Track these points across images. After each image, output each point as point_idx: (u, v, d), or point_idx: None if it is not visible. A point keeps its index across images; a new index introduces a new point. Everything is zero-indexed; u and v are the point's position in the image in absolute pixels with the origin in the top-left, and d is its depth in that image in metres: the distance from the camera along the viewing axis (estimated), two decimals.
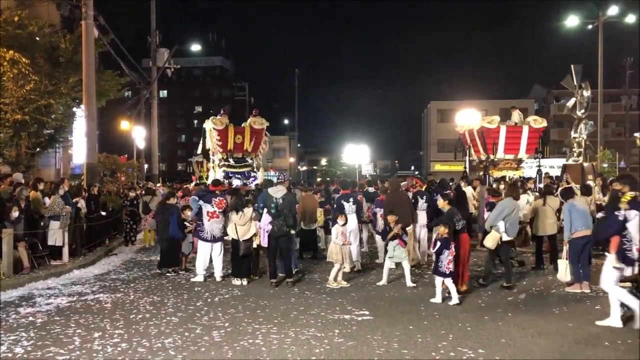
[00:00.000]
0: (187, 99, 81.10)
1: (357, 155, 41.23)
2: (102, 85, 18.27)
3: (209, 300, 8.42)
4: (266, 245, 9.74)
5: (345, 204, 10.66)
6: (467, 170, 20.64)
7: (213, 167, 19.86)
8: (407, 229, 10.03)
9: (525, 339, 6.35)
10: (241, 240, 9.52)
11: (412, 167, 77.16)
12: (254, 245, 9.72)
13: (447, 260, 8.03)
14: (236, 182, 18.23)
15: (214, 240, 10.01)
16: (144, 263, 12.04)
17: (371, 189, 12.94)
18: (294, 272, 9.86)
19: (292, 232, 9.70)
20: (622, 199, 6.90)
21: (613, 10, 28.53)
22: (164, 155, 64.19)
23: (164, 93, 70.46)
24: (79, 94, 16.91)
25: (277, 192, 9.63)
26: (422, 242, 11.37)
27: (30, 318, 7.41)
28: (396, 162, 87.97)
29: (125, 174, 25.28)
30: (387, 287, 9.16)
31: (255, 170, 19.69)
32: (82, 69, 15.62)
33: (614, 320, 6.80)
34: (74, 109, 18.37)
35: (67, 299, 8.53)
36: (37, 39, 16.44)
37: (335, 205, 10.95)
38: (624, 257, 6.84)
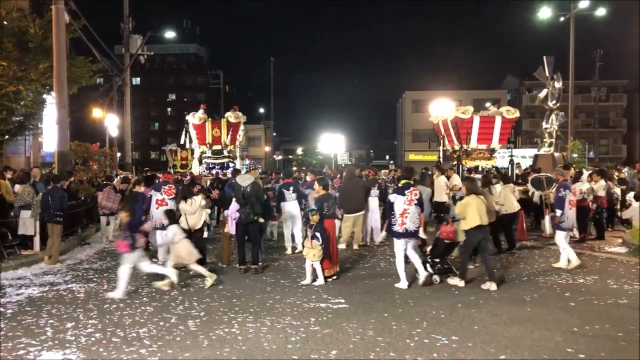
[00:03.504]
0: (160, 86, 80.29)
1: (332, 144, 41.31)
2: (73, 71, 17.91)
3: (184, 289, 8.38)
4: (234, 233, 9.81)
5: (285, 192, 11.50)
6: (441, 159, 20.89)
7: (199, 159, 21.02)
8: (359, 213, 11.55)
9: (497, 325, 6.47)
10: (192, 231, 9.47)
11: (387, 157, 77.54)
12: (205, 236, 9.69)
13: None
14: (216, 173, 19.25)
15: (163, 228, 9.89)
16: (118, 252, 11.88)
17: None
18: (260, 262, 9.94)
19: (262, 220, 9.69)
20: (399, 185, 8.67)
21: (584, 4, 29.01)
22: (137, 144, 63.34)
23: (137, 80, 69.54)
24: (49, 81, 16.53)
25: (245, 181, 9.65)
26: (375, 223, 12.44)
27: (1, 309, 7.29)
28: (371, 151, 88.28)
29: (97, 162, 24.91)
30: (362, 276, 9.24)
31: (232, 161, 20.80)
32: (52, 54, 15.25)
33: (402, 284, 8.32)
34: (44, 95, 17.98)
35: (39, 289, 8.41)
36: (5, 23, 16.01)
37: (276, 194, 11.82)
38: (390, 230, 8.49)
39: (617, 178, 16.14)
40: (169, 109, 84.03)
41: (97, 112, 30.40)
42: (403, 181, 8.65)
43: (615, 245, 12.04)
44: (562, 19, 29.55)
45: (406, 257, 8.63)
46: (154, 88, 78.85)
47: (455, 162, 19.13)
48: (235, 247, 10.14)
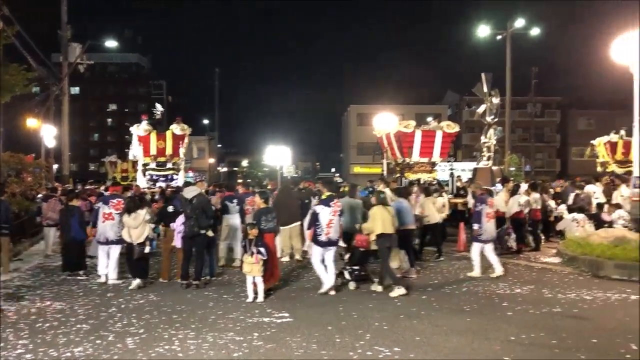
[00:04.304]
0: (101, 96, 78.21)
1: (278, 156, 41.16)
2: (6, 79, 17.18)
3: (123, 306, 8.12)
4: (180, 246, 9.66)
5: (229, 204, 11.48)
6: (385, 172, 21.20)
7: (142, 171, 20.83)
8: (293, 225, 11.84)
9: (438, 336, 6.59)
10: (135, 243, 9.35)
11: (333, 169, 78.10)
12: (147, 250, 9.55)
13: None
14: (160, 185, 19.49)
15: (107, 242, 9.77)
16: (52, 268, 11.41)
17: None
18: (209, 279, 9.79)
19: (210, 234, 9.57)
20: (323, 197, 9.12)
21: (520, 23, 30.31)
22: (76, 155, 61.14)
23: (76, 90, 67.28)
24: None
25: (189, 193, 9.50)
26: None
27: None
28: (317, 164, 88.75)
29: (32, 174, 23.85)
30: (307, 289, 9.21)
31: (177, 173, 20.75)
32: None
33: (325, 287, 8.77)
34: None
35: None
36: None
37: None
38: (315, 240, 8.81)
39: (553, 192, 16.78)
40: (109, 120, 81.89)
41: (32, 122, 29.21)
42: (327, 193, 9.10)
43: (550, 255, 12.51)
44: (499, 37, 30.73)
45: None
46: (94, 98, 76.67)
47: (398, 175, 19.46)
48: (176, 262, 9.98)
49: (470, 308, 7.94)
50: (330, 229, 8.72)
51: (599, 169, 23.68)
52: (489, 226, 10.27)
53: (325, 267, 8.87)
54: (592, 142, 24.67)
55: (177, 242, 9.70)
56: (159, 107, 28.20)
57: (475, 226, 10.27)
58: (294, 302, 8.32)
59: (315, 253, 8.91)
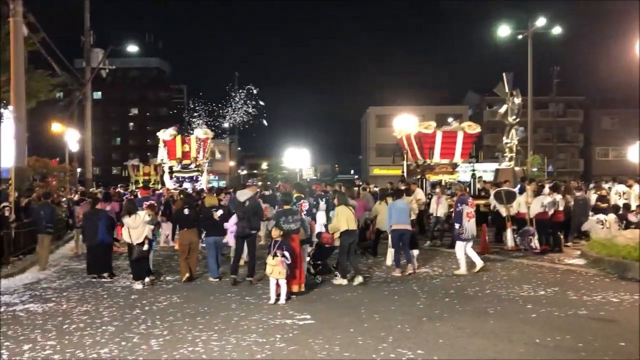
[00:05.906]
0: (122, 101, 79.42)
1: (297, 159, 41.30)
2: (32, 85, 17.56)
3: (147, 308, 8.21)
4: (232, 245, 10.23)
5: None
6: (405, 174, 21.13)
7: (169, 173, 22.59)
8: None
9: (461, 338, 6.53)
10: (134, 243, 9.72)
11: (352, 171, 78.01)
12: (145, 248, 9.83)
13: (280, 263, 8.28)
14: (186, 186, 21.14)
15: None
16: (77, 270, 11.60)
17: (267, 192, 15.11)
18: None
19: (261, 234, 10.54)
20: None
21: (541, 22, 29.97)
22: (98, 159, 62.01)
23: (98, 94, 68.32)
24: (6, 95, 16.16)
25: (242, 196, 10.10)
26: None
27: None
28: (336, 166, 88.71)
29: (56, 178, 24.28)
30: (328, 291, 9.21)
31: (201, 174, 22.39)
32: (10, 68, 14.90)
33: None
34: (1, 109, 17.54)
35: None
36: None
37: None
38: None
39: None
40: (130, 124, 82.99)
41: (56, 127, 29.74)
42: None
43: (574, 257, 12.33)
44: (520, 36, 30.42)
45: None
46: (116, 102, 77.88)
47: (418, 177, 19.36)
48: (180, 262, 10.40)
49: (493, 310, 7.86)
50: None
51: None
52: (469, 225, 10.66)
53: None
54: None
55: (231, 241, 10.25)
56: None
57: (457, 226, 10.70)
58: (315, 304, 8.34)
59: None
